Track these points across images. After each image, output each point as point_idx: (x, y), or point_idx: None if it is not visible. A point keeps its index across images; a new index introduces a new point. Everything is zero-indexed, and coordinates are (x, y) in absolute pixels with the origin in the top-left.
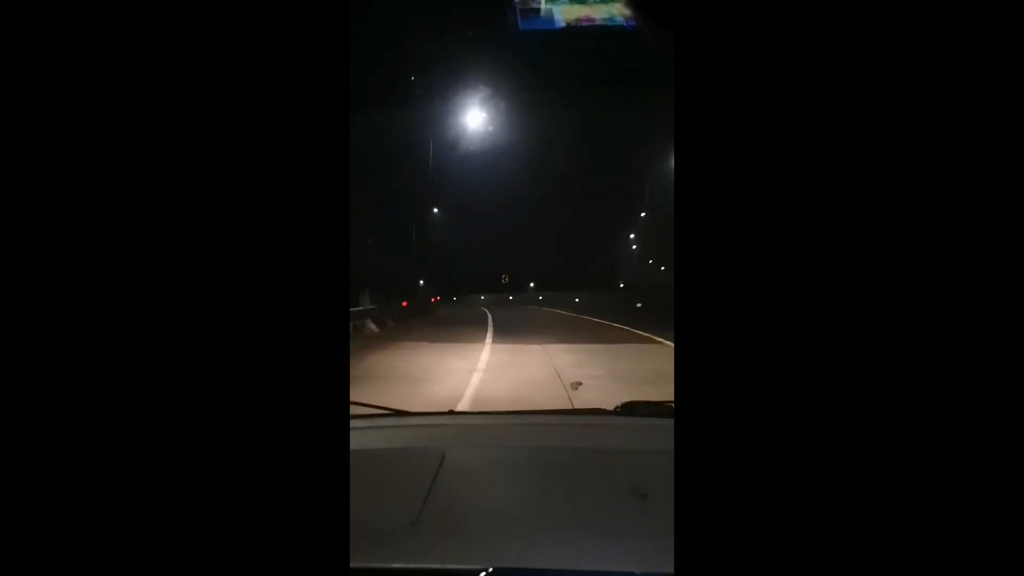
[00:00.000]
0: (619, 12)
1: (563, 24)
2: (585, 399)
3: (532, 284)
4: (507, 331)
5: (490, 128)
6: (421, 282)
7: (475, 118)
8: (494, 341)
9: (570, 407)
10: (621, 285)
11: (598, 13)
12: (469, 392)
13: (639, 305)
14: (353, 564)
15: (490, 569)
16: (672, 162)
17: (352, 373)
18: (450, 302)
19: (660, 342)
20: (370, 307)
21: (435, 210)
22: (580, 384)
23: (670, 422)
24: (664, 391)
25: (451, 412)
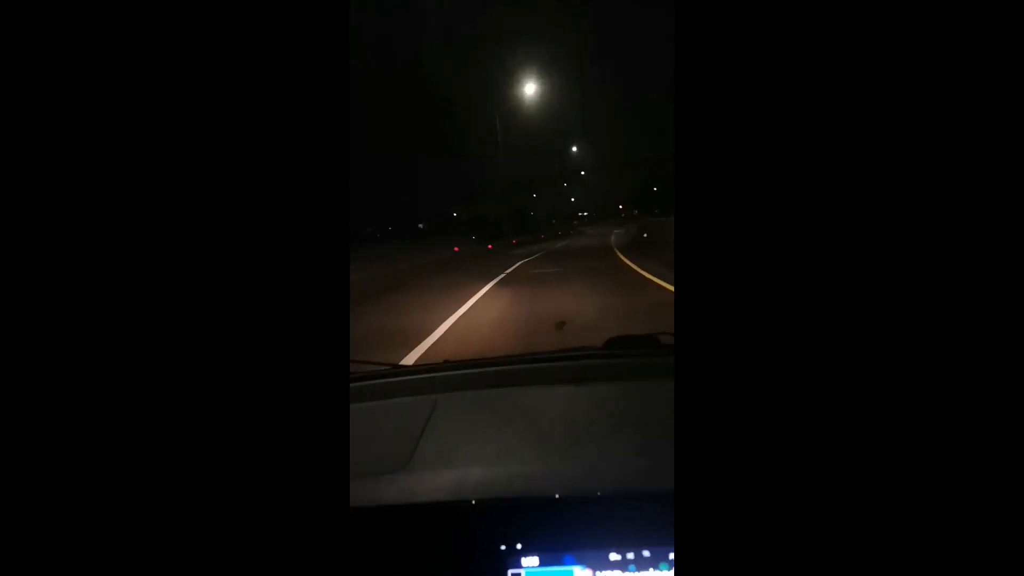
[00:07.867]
0: None
1: None
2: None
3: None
4: None
5: None
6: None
7: None
8: None
9: (558, 347)
10: None
11: None
12: None
13: (645, 235)
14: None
15: (473, 502)
16: None
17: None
18: None
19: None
20: None
21: None
22: (564, 324)
23: (657, 359)
24: (649, 323)
25: (446, 362)
